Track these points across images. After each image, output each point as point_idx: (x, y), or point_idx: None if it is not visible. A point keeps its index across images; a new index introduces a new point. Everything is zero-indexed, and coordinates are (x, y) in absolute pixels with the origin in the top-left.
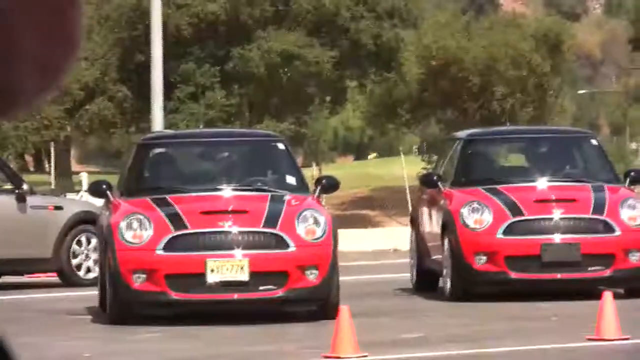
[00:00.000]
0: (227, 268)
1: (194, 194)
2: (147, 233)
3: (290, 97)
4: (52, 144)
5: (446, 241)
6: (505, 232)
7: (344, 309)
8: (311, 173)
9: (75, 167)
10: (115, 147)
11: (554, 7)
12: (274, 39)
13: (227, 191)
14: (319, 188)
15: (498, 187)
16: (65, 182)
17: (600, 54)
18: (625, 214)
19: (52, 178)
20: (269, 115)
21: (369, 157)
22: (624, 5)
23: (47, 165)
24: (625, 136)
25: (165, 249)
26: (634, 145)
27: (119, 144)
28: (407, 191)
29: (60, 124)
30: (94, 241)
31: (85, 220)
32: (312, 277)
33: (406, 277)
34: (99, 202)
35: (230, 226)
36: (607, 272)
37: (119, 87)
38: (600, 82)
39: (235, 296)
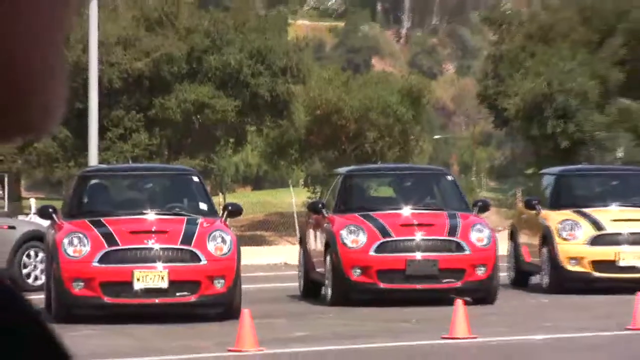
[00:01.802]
0: (151, 277)
1: (123, 217)
2: (86, 248)
3: (201, 139)
4: (5, 174)
5: (328, 257)
6: (376, 250)
7: (245, 312)
8: (218, 200)
9: (24, 193)
10: (58, 178)
11: (416, 67)
12: (189, 91)
13: (151, 215)
14: (225, 213)
15: (371, 213)
16: (16, 206)
17: (452, 106)
18: (474, 236)
19: (5, 202)
20: (184, 153)
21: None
22: (471, 67)
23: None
24: (472, 173)
25: (100, 261)
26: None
27: (60, 175)
28: (295, 216)
29: (12, 159)
30: (41, 254)
31: (34, 237)
32: (220, 285)
33: (295, 286)
34: (46, 222)
35: (153, 243)
36: (459, 284)
37: (61, 129)
38: (452, 128)
39: (157, 300)
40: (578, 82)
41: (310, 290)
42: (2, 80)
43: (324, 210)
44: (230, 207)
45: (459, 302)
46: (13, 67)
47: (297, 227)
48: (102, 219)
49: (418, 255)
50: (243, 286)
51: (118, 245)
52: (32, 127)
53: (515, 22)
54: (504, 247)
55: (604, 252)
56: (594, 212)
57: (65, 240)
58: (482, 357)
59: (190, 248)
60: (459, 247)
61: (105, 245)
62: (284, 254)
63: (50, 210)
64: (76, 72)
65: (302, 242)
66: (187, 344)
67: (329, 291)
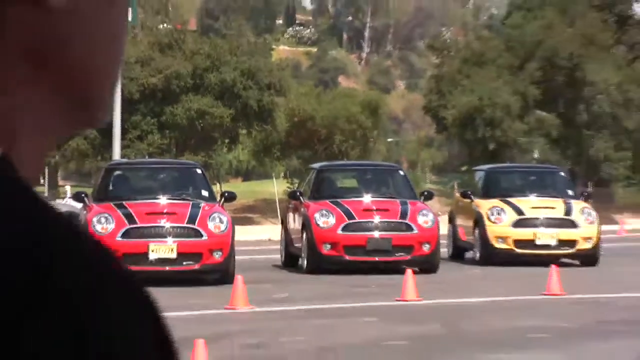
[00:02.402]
0: (162, 250)
1: (141, 201)
2: (111, 226)
3: (202, 139)
4: (45, 166)
5: (304, 235)
6: (342, 230)
7: (238, 277)
8: (216, 189)
9: (60, 182)
10: (87, 170)
11: (374, 85)
12: (193, 101)
13: (162, 199)
14: (222, 199)
15: (339, 200)
16: (54, 192)
17: (402, 115)
18: (420, 219)
19: (45, 189)
20: (189, 151)
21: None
22: (418, 85)
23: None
24: (418, 169)
25: (122, 236)
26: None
27: (90, 167)
28: (277, 202)
29: (51, 153)
30: None
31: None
32: (218, 256)
33: (277, 257)
34: (79, 205)
35: (165, 222)
36: (408, 257)
37: (91, 130)
38: (402, 134)
39: (167, 268)
40: (503, 97)
41: (290, 261)
42: (88, 75)
43: (301, 198)
44: (226, 194)
45: (409, 272)
46: (95, 64)
47: (278, 210)
48: (124, 203)
49: (376, 234)
50: (236, 257)
51: (136, 223)
52: (98, 119)
53: (453, 49)
54: (444, 228)
55: (524, 233)
56: (516, 201)
57: (95, 220)
58: (428, 315)
59: (195, 226)
60: (408, 228)
61: (127, 223)
62: (268, 232)
63: (83, 195)
64: None
65: (283, 222)
66: (192, 303)
67: (305, 262)
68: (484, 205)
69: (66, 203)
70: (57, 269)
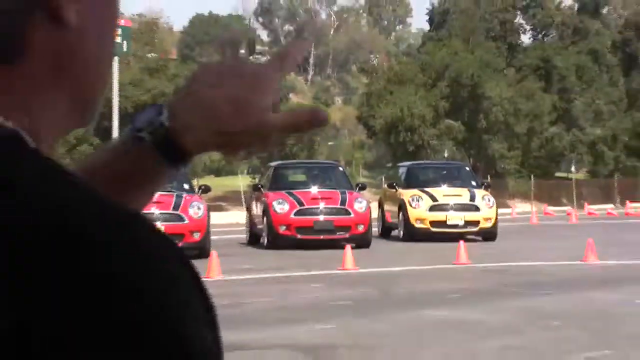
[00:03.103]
0: None
1: None
2: None
3: None
4: None
5: (265, 219)
6: (295, 214)
7: (213, 253)
8: (195, 183)
9: None
10: None
11: (318, 100)
12: None
13: None
14: (200, 190)
15: (292, 191)
16: None
17: (339, 124)
18: (356, 206)
19: None
20: None
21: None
22: (352, 100)
23: None
24: (352, 166)
25: None
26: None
27: None
28: (242, 193)
29: (63, 157)
30: None
31: None
32: (197, 236)
33: (243, 237)
34: None
35: (154, 209)
36: (347, 235)
37: (94, 139)
38: (340, 138)
39: None
40: (419, 109)
41: (253, 240)
42: (93, 82)
43: (261, 189)
44: (202, 187)
45: (347, 247)
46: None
47: (243, 200)
48: None
49: (321, 218)
50: (211, 237)
51: None
52: (90, 120)
53: (380, 72)
54: (375, 213)
55: (438, 216)
56: (431, 190)
57: None
58: (363, 281)
59: (178, 212)
60: (347, 212)
61: None
62: (236, 217)
63: None
64: (105, 102)
65: (248, 209)
66: None
67: (265, 240)
68: (406, 194)
69: None
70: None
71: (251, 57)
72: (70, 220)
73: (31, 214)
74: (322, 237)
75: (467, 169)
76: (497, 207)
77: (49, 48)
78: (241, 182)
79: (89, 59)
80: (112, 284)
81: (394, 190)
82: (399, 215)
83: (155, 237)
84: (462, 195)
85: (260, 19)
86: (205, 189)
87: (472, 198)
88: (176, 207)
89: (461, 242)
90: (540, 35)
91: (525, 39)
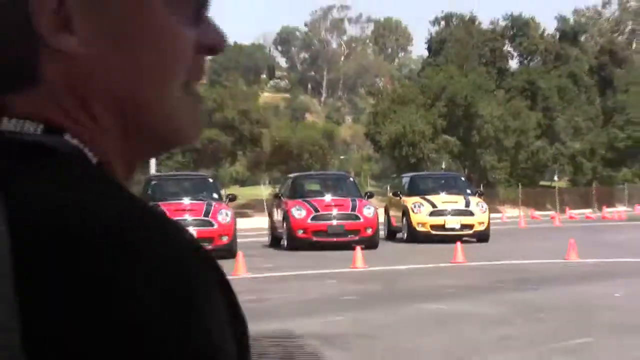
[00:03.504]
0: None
1: (170, 202)
2: None
3: (212, 158)
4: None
5: (284, 224)
6: (311, 220)
7: (239, 254)
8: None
9: None
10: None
11: (330, 119)
12: (205, 132)
13: (186, 200)
14: (227, 199)
15: (308, 199)
16: None
17: (350, 140)
18: (365, 212)
19: None
20: (203, 166)
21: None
22: (360, 118)
23: None
24: (361, 177)
25: None
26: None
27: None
28: (265, 201)
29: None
30: None
31: None
32: (225, 239)
33: (266, 239)
34: None
35: (188, 216)
36: (356, 238)
37: None
38: (350, 152)
39: None
40: (419, 126)
41: (274, 242)
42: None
43: (281, 198)
44: (230, 196)
45: (357, 248)
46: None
47: (265, 207)
48: (159, 203)
49: (334, 222)
50: (237, 240)
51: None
52: (173, 142)
53: (384, 94)
54: (382, 218)
55: (437, 220)
56: (431, 197)
57: None
58: (371, 278)
59: (209, 219)
60: (357, 217)
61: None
62: (259, 222)
63: None
64: None
65: (270, 215)
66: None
67: (285, 242)
68: (408, 201)
69: None
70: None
71: (271, 81)
72: (113, 227)
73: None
74: (335, 239)
75: (463, 178)
76: (489, 212)
77: (61, 73)
78: (263, 191)
79: (114, 85)
80: (142, 285)
81: (398, 197)
82: (402, 220)
83: (193, 252)
84: (458, 202)
85: (279, 48)
86: (232, 198)
87: (467, 204)
88: (207, 214)
89: (458, 243)
90: (526, 61)
91: (513, 64)
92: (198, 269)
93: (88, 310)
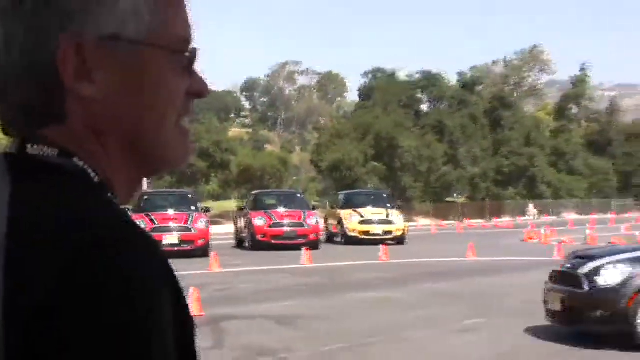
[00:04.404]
0: (172, 238)
1: (160, 212)
2: (144, 226)
3: (192, 179)
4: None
5: (249, 229)
6: (270, 226)
7: (214, 253)
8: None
9: None
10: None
11: (285, 149)
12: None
13: (172, 211)
14: (205, 210)
15: (268, 210)
16: None
17: (300, 165)
18: (312, 220)
19: None
20: (184, 185)
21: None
22: (308, 147)
23: None
24: (307, 194)
25: (151, 232)
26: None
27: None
28: (234, 212)
29: None
30: None
31: None
32: (202, 241)
33: (234, 242)
34: None
35: (173, 223)
36: (304, 241)
37: None
38: (300, 175)
39: (175, 249)
40: (353, 155)
41: (241, 244)
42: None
43: (247, 209)
44: (206, 208)
45: (305, 249)
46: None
47: (234, 217)
48: (150, 213)
49: (288, 229)
50: (213, 242)
51: (157, 224)
52: (164, 166)
53: (326, 129)
54: (324, 225)
55: (367, 227)
56: (363, 210)
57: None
58: (317, 272)
59: (190, 225)
60: (305, 225)
61: (153, 224)
62: (229, 228)
63: (128, 209)
64: None
65: (238, 223)
66: (188, 267)
67: (250, 244)
68: (345, 213)
69: None
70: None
71: (238, 119)
72: (97, 237)
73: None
74: (289, 242)
75: (386, 195)
76: (407, 221)
77: (82, 114)
78: (233, 204)
79: (124, 123)
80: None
81: (337, 210)
82: (340, 227)
83: (152, 260)
84: (383, 213)
85: (245, 93)
86: (208, 210)
87: (390, 215)
88: (188, 222)
89: (383, 245)
90: (436, 105)
91: (426, 107)
92: (160, 286)
93: (75, 313)
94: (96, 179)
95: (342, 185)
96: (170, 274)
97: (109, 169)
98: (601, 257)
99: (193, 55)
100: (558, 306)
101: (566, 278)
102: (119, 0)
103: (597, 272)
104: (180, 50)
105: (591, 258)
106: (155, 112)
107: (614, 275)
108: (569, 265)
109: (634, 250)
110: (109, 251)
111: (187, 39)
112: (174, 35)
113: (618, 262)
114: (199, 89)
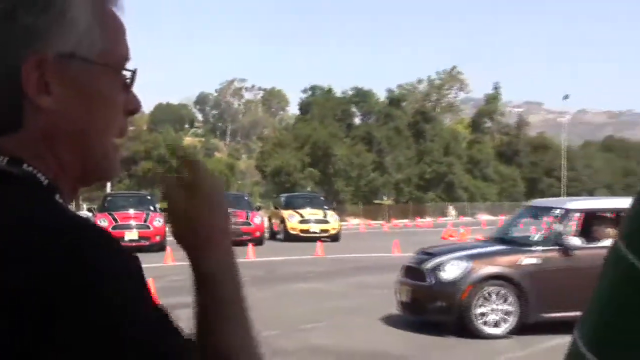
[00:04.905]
0: (131, 235)
1: (120, 212)
2: (105, 224)
3: (149, 182)
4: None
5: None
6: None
7: (168, 248)
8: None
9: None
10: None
11: (232, 156)
12: (145, 164)
13: (131, 211)
14: (161, 210)
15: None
16: (77, 207)
17: (246, 171)
18: (256, 220)
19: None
20: (143, 188)
21: None
22: (253, 154)
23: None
24: (253, 197)
25: (112, 229)
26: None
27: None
28: None
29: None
30: None
31: None
32: (158, 238)
33: None
34: (90, 214)
35: (132, 222)
36: (250, 238)
37: None
38: (246, 179)
39: (133, 244)
40: (292, 162)
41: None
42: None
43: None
44: (162, 208)
45: (249, 245)
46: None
47: None
48: (112, 212)
49: (234, 227)
50: (167, 238)
51: (118, 222)
52: (102, 176)
53: (269, 139)
54: (267, 224)
55: (304, 226)
56: (301, 210)
57: (98, 221)
58: (259, 266)
59: (147, 224)
60: (250, 224)
61: (114, 222)
62: None
63: (92, 209)
64: None
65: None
66: (146, 261)
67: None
68: (285, 213)
69: (84, 212)
70: (85, 245)
71: (192, 130)
72: (63, 240)
73: (35, 235)
74: (234, 239)
75: (322, 198)
76: (340, 221)
77: (37, 123)
78: None
79: (74, 132)
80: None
81: (278, 210)
82: (281, 226)
83: (117, 253)
84: (318, 214)
85: (197, 106)
86: (164, 209)
87: (325, 215)
88: (146, 220)
89: (318, 242)
90: (365, 118)
91: (357, 120)
92: (128, 264)
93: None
94: (45, 182)
95: (282, 188)
96: (139, 265)
97: (59, 174)
98: (442, 253)
99: (133, 75)
100: (404, 298)
101: (412, 272)
102: (76, 23)
103: (437, 267)
104: (123, 69)
105: (433, 254)
106: (101, 124)
107: (451, 270)
108: (414, 261)
109: (471, 247)
110: (88, 251)
111: (128, 58)
112: (119, 55)
113: (455, 258)
114: (134, 107)
